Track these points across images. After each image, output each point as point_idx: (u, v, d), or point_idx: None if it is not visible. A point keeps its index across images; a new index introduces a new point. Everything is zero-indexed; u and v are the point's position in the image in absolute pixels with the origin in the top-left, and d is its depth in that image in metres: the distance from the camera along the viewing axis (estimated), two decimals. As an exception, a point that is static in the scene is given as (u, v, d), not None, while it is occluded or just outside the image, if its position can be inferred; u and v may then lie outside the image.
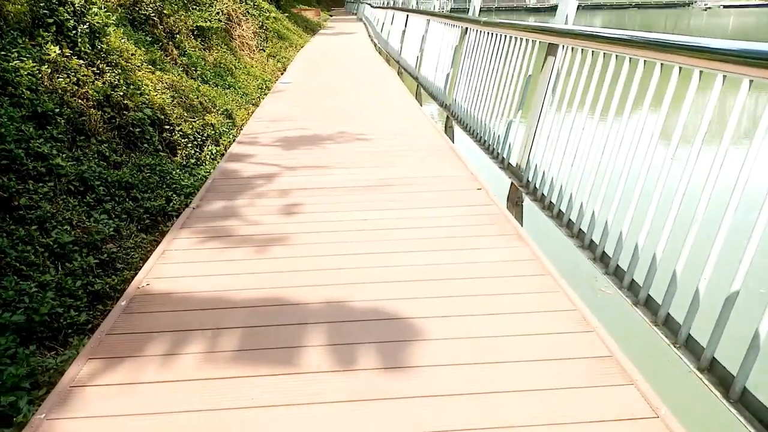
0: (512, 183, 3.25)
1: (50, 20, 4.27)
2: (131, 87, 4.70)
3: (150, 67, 5.68)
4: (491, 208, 3.08)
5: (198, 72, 7.33)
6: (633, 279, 2.08)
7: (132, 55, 5.50)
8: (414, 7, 9.07)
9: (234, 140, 5.41)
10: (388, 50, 11.49)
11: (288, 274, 2.36)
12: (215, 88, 7.19)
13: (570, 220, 2.59)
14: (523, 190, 3.07)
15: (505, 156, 3.44)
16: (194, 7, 9.66)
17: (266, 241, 2.70)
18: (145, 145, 4.45)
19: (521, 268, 2.40)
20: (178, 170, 4.45)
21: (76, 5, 4.54)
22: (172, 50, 7.12)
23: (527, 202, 3.16)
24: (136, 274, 2.63)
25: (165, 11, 7.49)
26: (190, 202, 3.96)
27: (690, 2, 79.61)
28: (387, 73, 9.24)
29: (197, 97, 6.06)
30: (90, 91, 4.24)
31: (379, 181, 3.61)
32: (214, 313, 2.06)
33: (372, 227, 2.86)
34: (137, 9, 6.87)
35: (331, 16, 38.35)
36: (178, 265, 2.46)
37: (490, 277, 2.31)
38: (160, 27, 7.19)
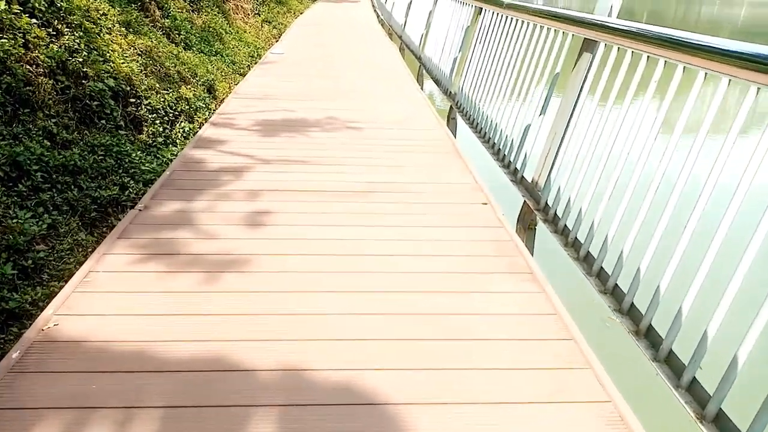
0: (525, 202, 2.73)
1: (-6, -31, 3.66)
2: (93, 53, 4.10)
3: (123, 29, 5.05)
4: (498, 232, 2.57)
5: (181, 36, 6.69)
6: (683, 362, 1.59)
7: (102, 15, 4.88)
8: None
9: (209, 118, 4.84)
10: (391, 23, 10.78)
11: (240, 320, 1.85)
12: (199, 55, 6.56)
13: (613, 284, 2.04)
14: (539, 214, 2.55)
15: (518, 167, 2.90)
16: (185, -37, 8.93)
17: (220, 265, 2.17)
18: (103, 121, 3.87)
19: (535, 325, 1.89)
20: (139, 152, 3.89)
21: (31, -48, 3.90)
22: (153, 11, 6.47)
23: (541, 226, 2.65)
24: (65, 286, 2.12)
25: (148, -34, 6.79)
26: (149, 188, 3.42)
27: (703, -10, 77.83)
28: (388, 49, 8.59)
29: (174, 66, 5.45)
30: (41, 56, 3.65)
31: (366, 185, 3.07)
32: (130, 380, 1.54)
33: (351, 251, 2.33)
34: (116, -38, 6.19)
35: (335, -19, 37.06)
36: (101, 295, 1.94)
37: (496, 339, 1.81)
38: (141, -16, 6.51)
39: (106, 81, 4.04)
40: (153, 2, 6.66)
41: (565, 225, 2.35)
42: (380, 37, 10.16)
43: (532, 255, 2.62)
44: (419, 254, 2.33)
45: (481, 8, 4.07)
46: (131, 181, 3.64)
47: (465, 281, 2.14)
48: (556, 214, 2.44)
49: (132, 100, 4.25)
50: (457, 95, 4.40)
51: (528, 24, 3.06)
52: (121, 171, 3.63)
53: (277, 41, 10.60)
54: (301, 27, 11.72)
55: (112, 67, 4.21)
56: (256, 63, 8.33)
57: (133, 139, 4.15)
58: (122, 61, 4.37)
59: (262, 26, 10.99)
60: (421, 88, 6.04)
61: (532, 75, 2.94)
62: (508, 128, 3.14)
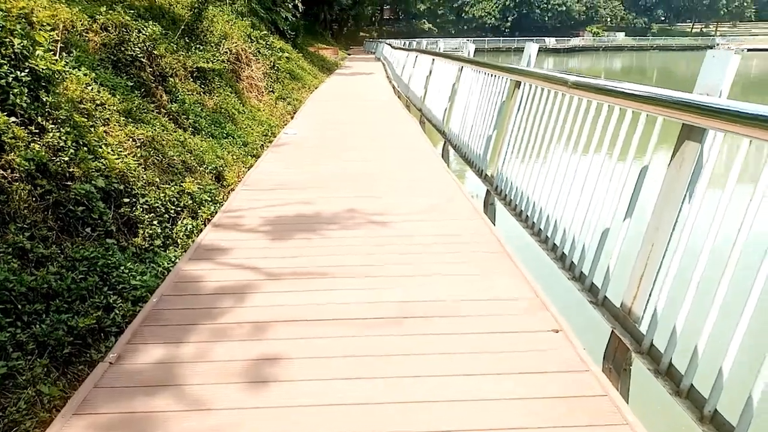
0: (613, 332, 2.06)
1: (-32, 66, 3.27)
2: (83, 149, 3.63)
3: (123, 119, 4.65)
4: (587, 381, 1.89)
5: (190, 120, 6.32)
6: None
7: (99, 105, 4.48)
8: (440, 50, 8.02)
9: (215, 212, 4.31)
10: (409, 95, 10.48)
11: None
12: (208, 140, 6.16)
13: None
14: (639, 355, 1.87)
15: (600, 286, 2.23)
16: (198, 46, 8.78)
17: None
18: (89, 229, 3.35)
19: None
20: (130, 262, 3.33)
21: (16, 47, 3.52)
22: (160, 95, 6.13)
23: (637, 365, 1.96)
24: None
25: (156, 51, 6.54)
26: (140, 308, 2.83)
27: (712, 45, 79.03)
28: (408, 123, 8.14)
29: (179, 155, 5.01)
30: (17, 159, 3.18)
31: (400, 308, 2.44)
32: None
33: (392, 426, 1.67)
34: (123, 49, 5.92)
35: (349, 54, 38.09)
36: None
37: None
38: (149, 69, 6.22)
39: (95, 181, 3.54)
40: (161, 87, 6.36)
41: (692, 384, 1.67)
42: (398, 110, 9.80)
43: (627, 402, 1.93)
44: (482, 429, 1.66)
45: (520, 82, 3.56)
46: (119, 300, 3.06)
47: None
48: (671, 363, 1.76)
49: (126, 200, 3.75)
50: (496, 179, 3.84)
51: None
52: (106, 289, 3.06)
53: (291, 117, 10.34)
54: (315, 102, 11.51)
55: (103, 164, 3.73)
56: (270, 142, 7.96)
57: (126, 244, 3.61)
58: (116, 156, 3.90)
59: (276, 103, 10.78)
60: (448, 166, 5.50)
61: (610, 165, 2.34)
62: (575, 228, 2.51)
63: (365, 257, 3.00)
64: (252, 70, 11.07)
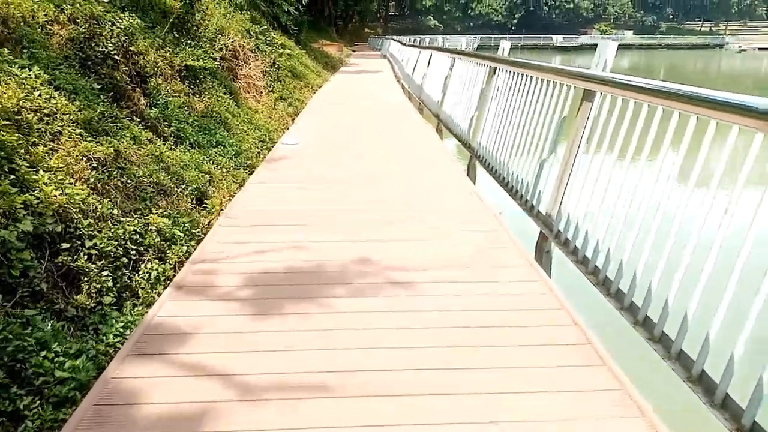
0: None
1: None
2: (6, 181, 2.72)
3: (80, 131, 3.72)
4: None
5: (172, 128, 5.39)
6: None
7: (47, 115, 3.57)
8: (456, 48, 6.98)
9: (188, 254, 3.38)
10: (422, 98, 9.50)
11: None
12: (192, 151, 5.24)
13: None
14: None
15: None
16: (189, 42, 7.84)
17: None
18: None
19: None
20: (60, 340, 2.40)
21: None
22: (137, 99, 5.21)
23: None
24: None
25: (134, 47, 5.61)
26: (65, 414, 1.93)
27: (722, 44, 77.77)
28: (425, 133, 7.10)
29: (152, 174, 4.09)
30: None
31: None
32: None
33: None
34: (92, 45, 5.00)
35: (353, 51, 37.08)
36: None
37: None
38: (124, 68, 5.30)
39: (20, 223, 2.62)
40: (138, 89, 5.43)
41: None
42: (412, 115, 8.81)
43: None
44: None
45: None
46: (35, 401, 2.15)
47: None
48: None
49: (65, 245, 2.82)
50: (556, 220, 2.91)
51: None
52: (15, 388, 2.15)
53: (292, 120, 9.41)
54: (320, 104, 10.56)
55: (37, 198, 2.81)
56: (268, 149, 7.03)
57: (63, 306, 2.69)
58: (56, 186, 2.97)
59: (276, 104, 9.83)
60: (474, 184, 4.55)
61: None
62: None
63: (393, 356, 2.05)
64: (250, 68, 10.14)
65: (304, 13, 22.38)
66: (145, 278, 3.19)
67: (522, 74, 4.01)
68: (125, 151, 4.05)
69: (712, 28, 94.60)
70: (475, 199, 4.06)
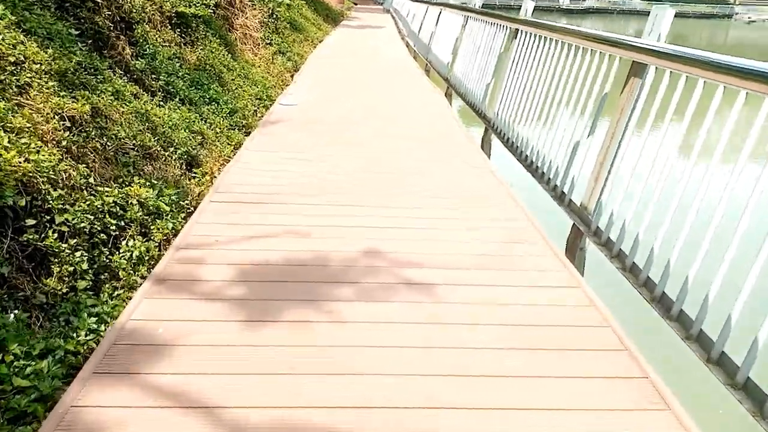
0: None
1: None
2: (-42, 142, 2.30)
3: (53, 83, 3.27)
4: None
5: (161, 81, 4.92)
6: None
7: (13, 64, 3.11)
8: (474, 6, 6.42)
9: (176, 230, 2.99)
10: (430, 58, 8.95)
11: None
12: (181, 108, 4.78)
13: None
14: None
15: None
16: (182, -15, 7.23)
17: None
18: (-51, 286, 2.05)
19: None
20: (23, 335, 2.04)
21: None
22: (121, 48, 4.71)
23: None
24: None
25: (119, -11, 5.07)
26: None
27: (731, 14, 76.16)
28: (434, 99, 6.60)
29: (136, 135, 3.66)
30: None
31: None
32: None
33: None
34: (72, -16, 4.47)
35: (355, 4, 35.75)
36: None
37: None
38: (106, 12, 4.77)
39: (-29, 197, 2.22)
40: (123, 37, 4.92)
41: None
42: (418, 76, 8.28)
43: None
44: None
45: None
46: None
47: None
48: None
49: (30, 221, 2.43)
50: (594, 218, 2.54)
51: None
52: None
53: (291, 76, 8.88)
54: (320, 60, 9.97)
55: (-5, 165, 2.40)
56: (265, 108, 6.57)
57: (29, 293, 2.32)
58: (20, 150, 2.55)
59: (274, 59, 9.26)
60: (489, 158, 4.15)
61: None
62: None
63: (412, 375, 1.71)
64: (247, 18, 9.51)
65: (305, -39, 21.30)
66: (126, 258, 2.81)
67: (553, 40, 3.56)
68: (105, 108, 3.60)
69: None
70: (488, 173, 3.67)
